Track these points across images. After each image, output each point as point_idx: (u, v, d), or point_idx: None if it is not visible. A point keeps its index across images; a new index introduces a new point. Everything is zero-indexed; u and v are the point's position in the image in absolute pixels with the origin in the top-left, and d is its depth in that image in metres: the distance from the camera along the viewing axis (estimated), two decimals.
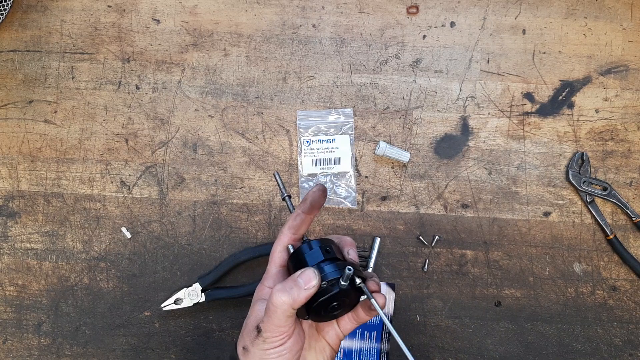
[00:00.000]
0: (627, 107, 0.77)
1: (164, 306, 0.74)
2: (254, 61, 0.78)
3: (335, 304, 0.48)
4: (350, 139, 0.77)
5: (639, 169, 0.77)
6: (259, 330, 0.48)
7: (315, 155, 0.76)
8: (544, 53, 0.78)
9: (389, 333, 0.75)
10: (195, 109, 0.78)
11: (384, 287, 0.76)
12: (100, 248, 0.77)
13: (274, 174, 0.60)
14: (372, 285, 0.50)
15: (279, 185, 0.55)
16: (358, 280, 0.48)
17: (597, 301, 0.76)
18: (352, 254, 0.52)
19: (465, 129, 0.77)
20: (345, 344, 0.75)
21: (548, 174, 0.77)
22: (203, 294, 0.74)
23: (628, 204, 0.75)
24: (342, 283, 0.47)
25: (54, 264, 0.77)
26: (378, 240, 0.76)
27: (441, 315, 0.76)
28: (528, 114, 0.77)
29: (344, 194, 0.76)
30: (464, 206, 0.77)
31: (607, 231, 0.75)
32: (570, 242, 0.76)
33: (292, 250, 0.52)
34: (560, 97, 0.77)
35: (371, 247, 0.75)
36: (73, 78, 0.78)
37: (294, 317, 0.48)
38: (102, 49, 0.78)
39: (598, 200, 0.76)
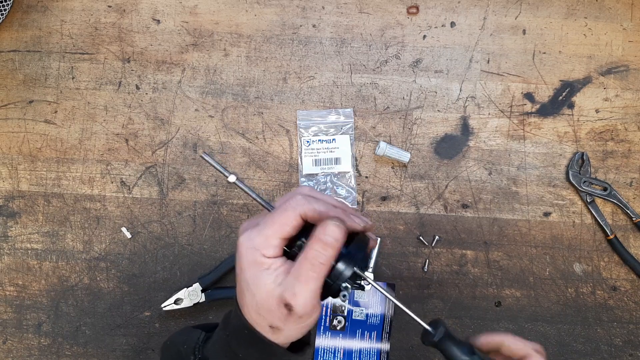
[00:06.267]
0: (628, 107, 0.77)
1: (164, 306, 0.74)
2: (254, 61, 0.78)
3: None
4: (351, 139, 0.77)
5: (639, 169, 0.77)
6: (289, 308, 0.42)
7: (315, 155, 0.76)
8: (544, 53, 0.78)
9: (389, 332, 0.75)
10: (196, 109, 0.78)
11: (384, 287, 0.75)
12: (100, 248, 0.77)
13: (201, 156, 0.48)
14: (371, 243, 0.49)
15: (215, 167, 0.47)
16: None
17: (597, 301, 0.76)
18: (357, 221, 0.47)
19: (466, 129, 0.77)
20: (346, 344, 0.75)
21: (548, 174, 0.77)
22: (203, 294, 0.74)
23: (628, 204, 0.75)
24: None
25: (54, 264, 0.77)
26: (378, 240, 0.76)
27: (441, 315, 0.76)
28: (528, 114, 0.77)
29: (344, 194, 0.76)
30: (464, 206, 0.77)
31: (607, 231, 0.75)
32: (571, 242, 0.76)
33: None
34: (561, 97, 0.77)
35: (371, 248, 0.75)
36: (73, 78, 0.78)
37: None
38: (102, 49, 0.78)
39: (598, 201, 0.76)
